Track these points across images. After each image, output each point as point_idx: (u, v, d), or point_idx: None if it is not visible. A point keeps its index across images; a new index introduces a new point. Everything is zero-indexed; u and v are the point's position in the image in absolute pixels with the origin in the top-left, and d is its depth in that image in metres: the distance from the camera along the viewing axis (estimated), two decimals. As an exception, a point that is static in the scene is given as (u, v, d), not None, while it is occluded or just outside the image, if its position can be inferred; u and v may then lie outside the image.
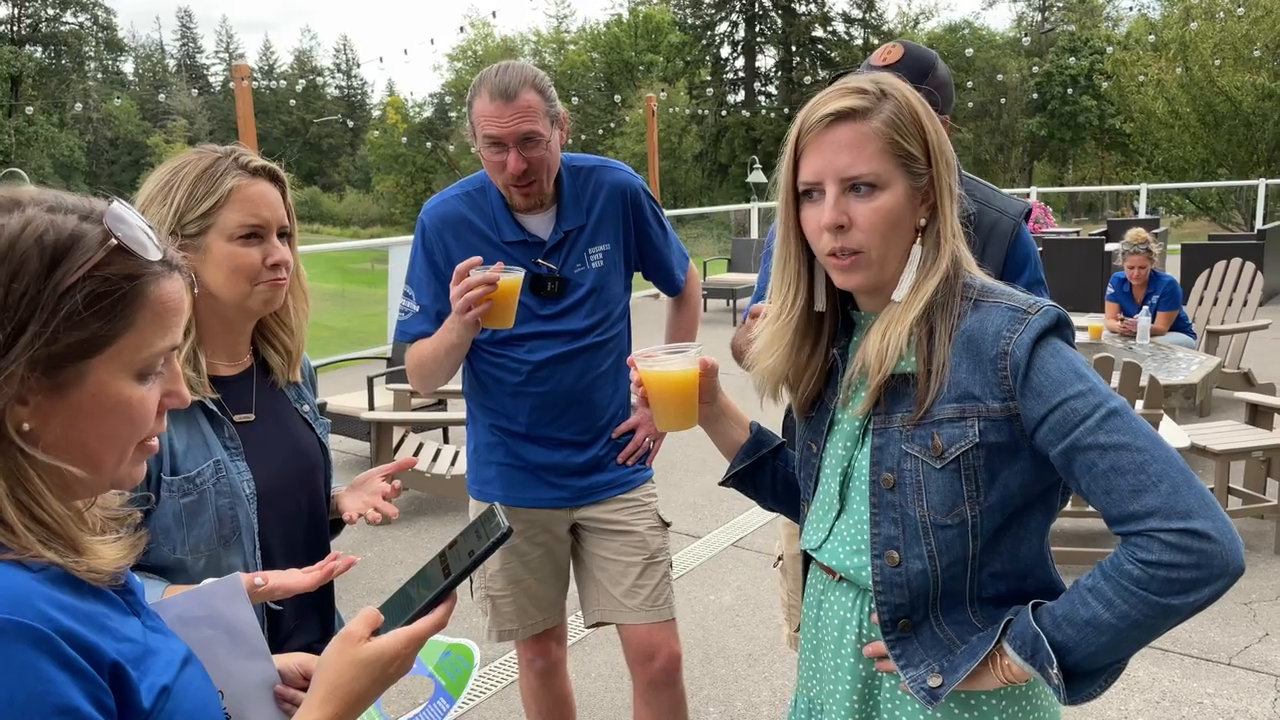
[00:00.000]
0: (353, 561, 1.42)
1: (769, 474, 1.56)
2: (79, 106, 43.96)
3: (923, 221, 1.28)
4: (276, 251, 1.49)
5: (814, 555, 1.39)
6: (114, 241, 0.82)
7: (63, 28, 52.95)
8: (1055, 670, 1.14)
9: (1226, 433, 4.57)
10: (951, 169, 1.28)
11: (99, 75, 59.75)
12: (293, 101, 58.10)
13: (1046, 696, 1.31)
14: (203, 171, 1.45)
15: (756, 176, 20.05)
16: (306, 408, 1.65)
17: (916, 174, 1.25)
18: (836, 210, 1.23)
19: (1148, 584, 1.10)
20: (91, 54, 57.79)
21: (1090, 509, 4.20)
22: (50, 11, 52.93)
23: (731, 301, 11.75)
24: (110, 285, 0.81)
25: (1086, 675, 1.17)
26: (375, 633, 1.00)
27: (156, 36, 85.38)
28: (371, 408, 5.63)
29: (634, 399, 1.49)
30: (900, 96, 1.25)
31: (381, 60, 51.23)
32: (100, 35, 56.61)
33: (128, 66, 65.68)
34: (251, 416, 1.55)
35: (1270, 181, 18.40)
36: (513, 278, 1.94)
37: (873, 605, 1.30)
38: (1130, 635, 1.13)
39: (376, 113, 64.91)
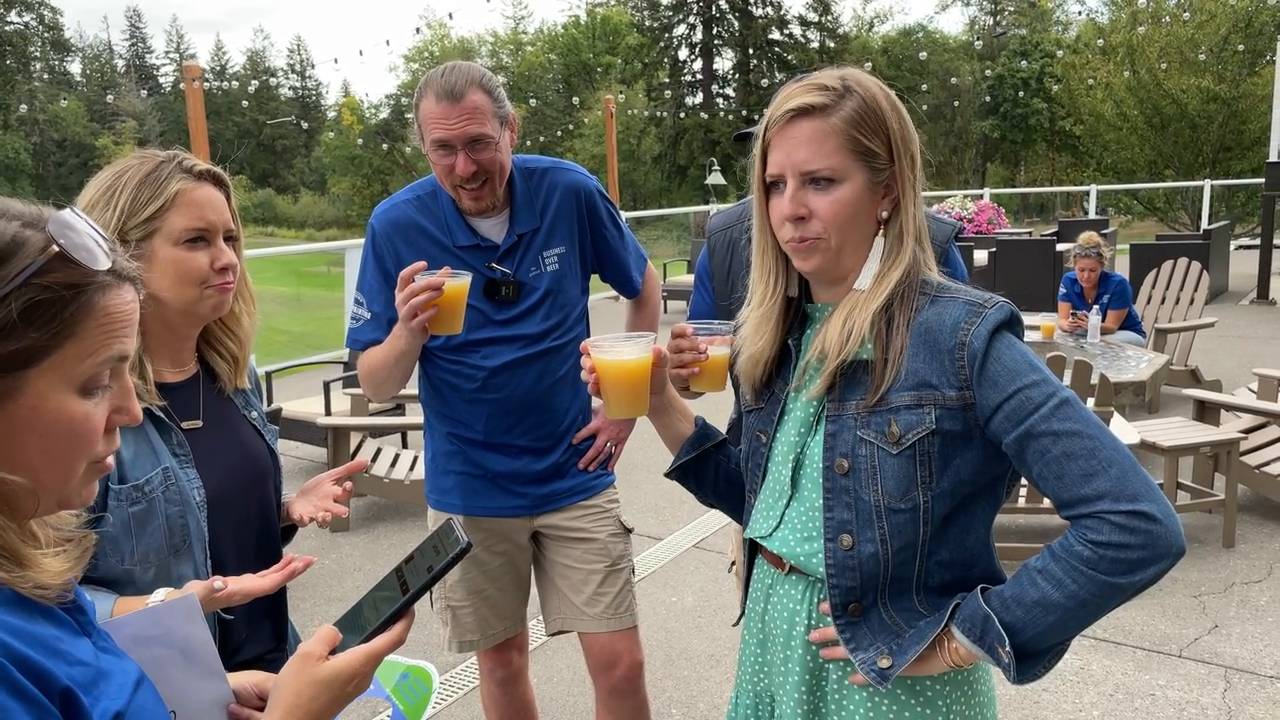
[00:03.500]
0: (310, 562, 1.41)
1: (712, 468, 1.58)
2: (24, 108, 42.96)
3: (885, 214, 1.31)
4: (224, 255, 1.47)
5: (763, 543, 1.41)
6: (55, 249, 0.79)
7: (7, 27, 51.75)
8: (1007, 649, 1.18)
9: (1175, 429, 4.66)
10: (915, 164, 1.32)
11: (45, 76, 58.44)
12: (245, 102, 57.22)
13: (986, 683, 1.36)
14: (146, 175, 1.43)
15: (715, 178, 20.05)
16: (255, 414, 1.63)
17: (877, 168, 1.29)
18: (795, 203, 1.28)
19: (1097, 564, 1.15)
20: (37, 54, 56.53)
21: (1036, 505, 4.27)
22: (-7, 11, 51.73)
23: (691, 303, 11.73)
24: (50, 294, 0.78)
25: (1032, 656, 1.22)
26: (333, 651, 0.99)
27: (104, 36, 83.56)
28: (328, 413, 5.56)
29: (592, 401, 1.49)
30: (865, 93, 1.28)
31: (336, 61, 50.60)
32: (46, 35, 55.39)
33: (75, 67, 64.39)
34: (200, 423, 1.52)
35: (1215, 183, 18.88)
36: (459, 282, 1.89)
37: (822, 595, 1.33)
38: (1077, 615, 1.17)
39: (331, 114, 64.25)
